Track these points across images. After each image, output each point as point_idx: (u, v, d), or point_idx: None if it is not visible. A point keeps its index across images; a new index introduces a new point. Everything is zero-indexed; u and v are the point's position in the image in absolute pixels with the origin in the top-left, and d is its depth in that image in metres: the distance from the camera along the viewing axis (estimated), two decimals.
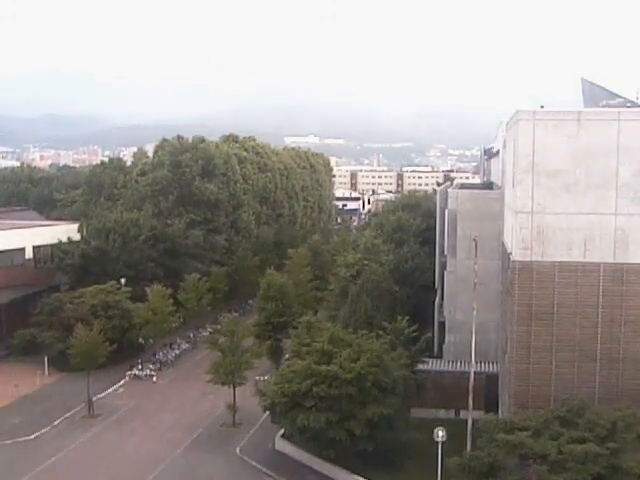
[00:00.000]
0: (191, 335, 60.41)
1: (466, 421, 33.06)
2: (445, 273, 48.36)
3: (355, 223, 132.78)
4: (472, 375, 33.42)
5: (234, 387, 41.11)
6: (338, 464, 33.97)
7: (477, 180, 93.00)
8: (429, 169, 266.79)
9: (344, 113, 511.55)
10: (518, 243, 31.54)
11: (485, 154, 66.98)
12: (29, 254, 62.28)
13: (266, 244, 78.74)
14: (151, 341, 56.52)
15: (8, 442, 38.62)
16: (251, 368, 42.45)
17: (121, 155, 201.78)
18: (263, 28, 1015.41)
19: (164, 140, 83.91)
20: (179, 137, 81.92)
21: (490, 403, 37.76)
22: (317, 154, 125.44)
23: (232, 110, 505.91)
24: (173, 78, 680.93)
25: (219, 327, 47.68)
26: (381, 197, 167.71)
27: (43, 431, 40.34)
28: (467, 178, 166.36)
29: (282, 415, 34.76)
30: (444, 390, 40.51)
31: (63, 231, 63.33)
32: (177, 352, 56.71)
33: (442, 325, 48.76)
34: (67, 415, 42.78)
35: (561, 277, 31.08)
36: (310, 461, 35.57)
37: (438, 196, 53.21)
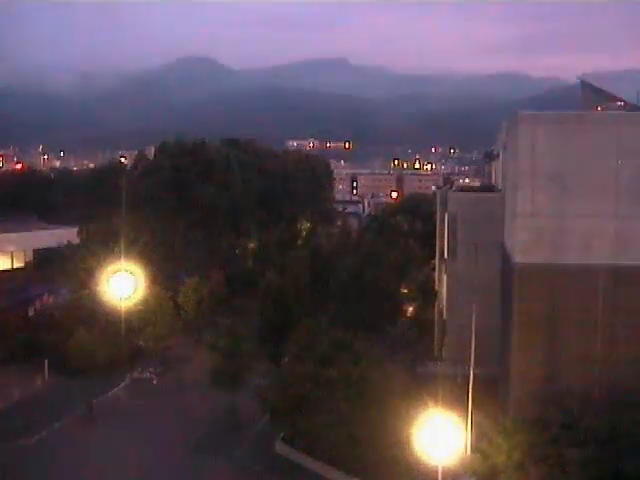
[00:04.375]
0: (191, 338, 60.36)
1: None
2: (445, 276, 48.36)
3: (355, 226, 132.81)
4: (472, 377, 33.40)
5: (234, 390, 41.09)
6: (339, 467, 33.94)
7: (477, 183, 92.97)
8: (429, 172, 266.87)
9: (344, 116, 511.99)
10: (518, 246, 31.56)
11: (485, 157, 66.98)
12: (29, 257, 62.37)
13: (266, 247, 78.74)
14: (151, 344, 56.50)
15: (8, 445, 38.60)
16: (251, 371, 42.45)
17: (121, 158, 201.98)
18: (262, 27, 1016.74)
19: (164, 143, 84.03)
20: (179, 140, 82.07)
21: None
22: (317, 157, 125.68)
23: (232, 111, 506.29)
24: (173, 78, 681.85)
25: (219, 330, 47.64)
26: (381, 200, 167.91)
27: (43, 434, 40.30)
28: (467, 181, 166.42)
29: (283, 418, 34.76)
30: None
31: (63, 234, 63.38)
32: (177, 355, 56.65)
33: (442, 328, 48.75)
34: (67, 418, 42.74)
35: (561, 279, 31.08)
36: (311, 464, 35.54)
37: (438, 199, 53.20)
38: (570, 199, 30.86)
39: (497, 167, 51.19)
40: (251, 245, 79.59)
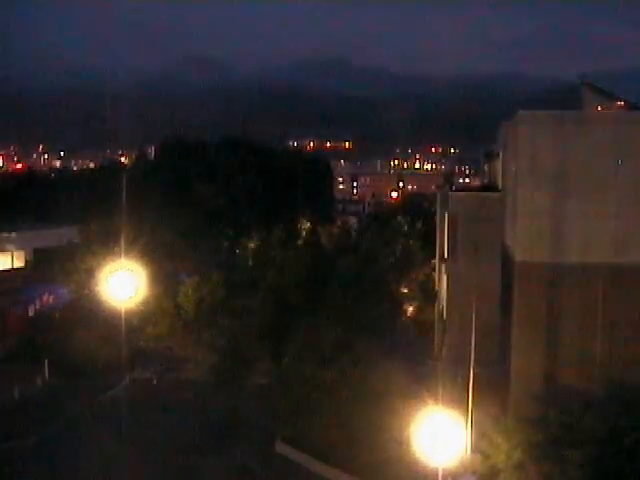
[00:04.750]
0: (191, 338, 60.37)
1: None
2: (445, 276, 48.32)
3: (356, 226, 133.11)
4: (472, 376, 33.38)
5: (234, 389, 41.09)
6: (339, 467, 33.95)
7: (478, 182, 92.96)
8: (429, 171, 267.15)
9: (345, 115, 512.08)
10: (518, 245, 31.57)
11: (485, 157, 66.90)
12: (30, 257, 62.40)
13: (266, 247, 78.77)
14: (151, 344, 56.52)
15: (8, 445, 38.59)
16: (251, 371, 42.46)
17: (121, 158, 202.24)
18: (262, 26, 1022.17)
19: (164, 143, 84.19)
20: (179, 140, 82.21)
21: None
22: (318, 156, 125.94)
23: (233, 111, 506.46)
24: (173, 78, 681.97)
25: (219, 330, 47.70)
26: (382, 200, 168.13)
27: (43, 434, 40.31)
28: (468, 180, 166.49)
29: (283, 418, 34.78)
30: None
31: (63, 234, 63.37)
32: (177, 355, 56.65)
33: (442, 328, 48.73)
34: (67, 418, 42.77)
35: (561, 278, 31.11)
36: (311, 464, 35.54)
37: (438, 198, 53.16)
38: (570, 198, 30.87)
39: (497, 167, 51.17)
40: (251, 245, 79.61)
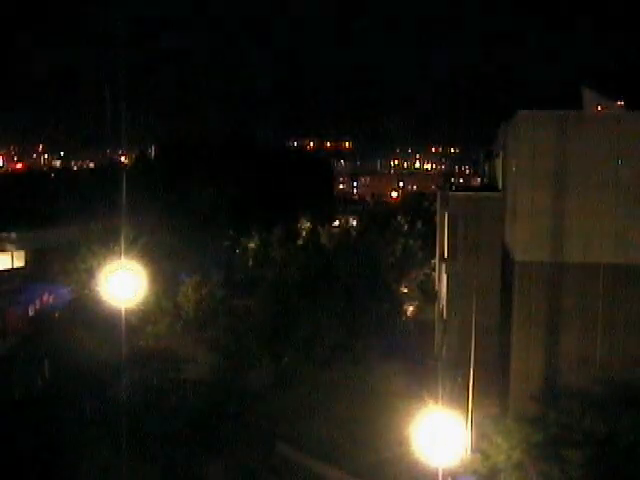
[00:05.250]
0: (191, 338, 60.35)
1: None
2: (445, 276, 48.31)
3: (356, 225, 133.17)
4: (472, 376, 33.40)
5: (234, 389, 41.08)
6: (339, 467, 33.93)
7: (478, 182, 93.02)
8: (430, 171, 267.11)
9: (345, 114, 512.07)
10: (518, 245, 31.56)
11: (485, 156, 66.92)
12: (30, 257, 62.42)
13: (267, 246, 78.85)
14: (151, 344, 56.48)
15: (8, 446, 38.53)
16: (251, 370, 42.47)
17: (121, 158, 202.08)
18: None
19: (164, 143, 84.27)
20: (179, 139, 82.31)
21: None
22: (318, 156, 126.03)
23: (232, 110, 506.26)
24: (172, 77, 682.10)
25: (219, 329, 47.68)
26: (382, 199, 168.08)
27: (42, 435, 40.24)
28: (467, 180, 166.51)
29: (283, 418, 34.81)
30: None
31: (63, 234, 63.36)
32: (177, 355, 56.61)
33: (442, 328, 48.72)
34: (67, 419, 42.66)
35: (561, 279, 31.08)
36: (311, 464, 35.52)
37: (438, 198, 53.18)
38: (570, 198, 30.86)
39: (497, 167, 51.17)
40: (251, 245, 79.66)
